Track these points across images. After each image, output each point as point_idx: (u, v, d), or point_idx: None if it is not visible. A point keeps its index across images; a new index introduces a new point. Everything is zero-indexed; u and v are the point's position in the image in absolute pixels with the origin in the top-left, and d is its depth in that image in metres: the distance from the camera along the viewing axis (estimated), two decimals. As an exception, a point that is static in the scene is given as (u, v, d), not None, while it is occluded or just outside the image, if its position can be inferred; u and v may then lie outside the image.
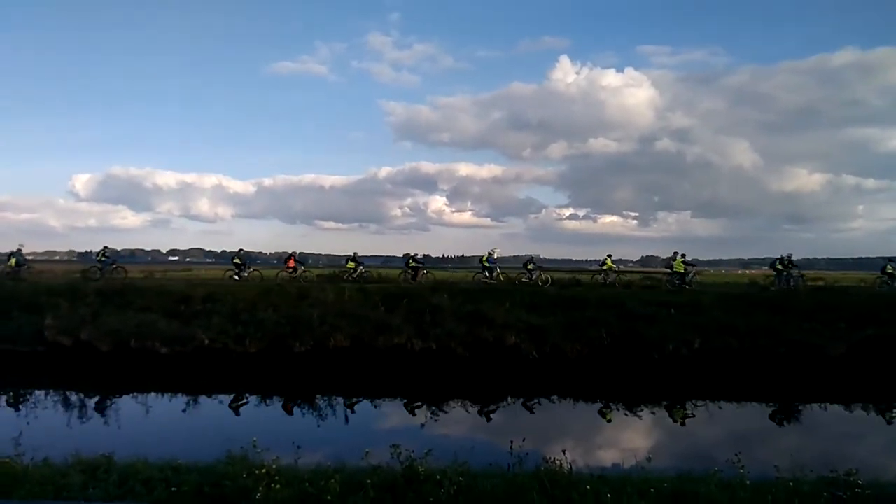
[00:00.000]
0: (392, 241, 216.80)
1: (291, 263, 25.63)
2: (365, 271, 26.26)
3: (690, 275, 25.01)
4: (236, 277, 24.57)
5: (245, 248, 26.67)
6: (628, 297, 19.92)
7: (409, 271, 25.34)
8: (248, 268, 25.71)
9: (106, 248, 25.67)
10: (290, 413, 13.07)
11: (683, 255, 25.35)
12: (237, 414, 13.26)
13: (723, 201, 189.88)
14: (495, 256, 26.52)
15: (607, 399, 14.61)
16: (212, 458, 6.75)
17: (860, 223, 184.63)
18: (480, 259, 26.27)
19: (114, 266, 25.35)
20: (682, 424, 12.91)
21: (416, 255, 26.66)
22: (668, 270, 25.51)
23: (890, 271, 24.53)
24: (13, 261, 24.90)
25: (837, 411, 14.00)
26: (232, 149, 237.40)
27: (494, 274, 25.42)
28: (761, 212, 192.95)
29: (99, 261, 25.19)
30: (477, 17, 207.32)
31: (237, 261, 25.46)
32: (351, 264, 26.01)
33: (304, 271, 25.93)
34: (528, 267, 25.84)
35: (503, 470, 6.49)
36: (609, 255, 27.17)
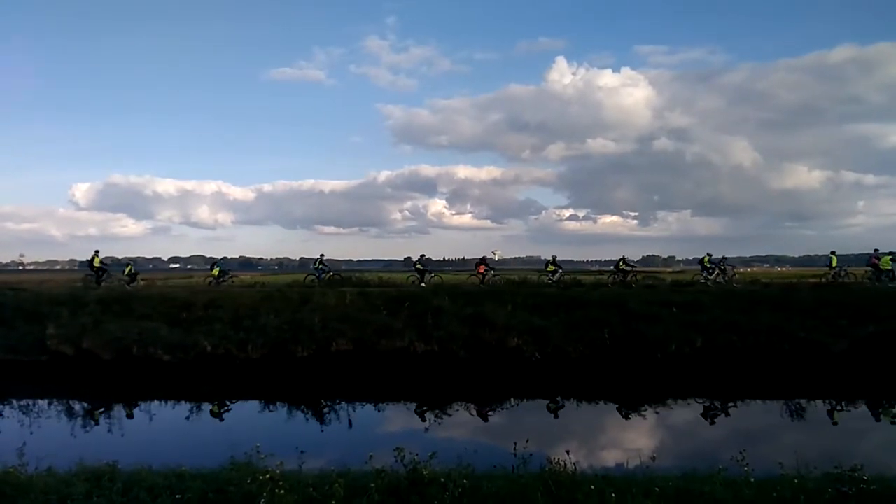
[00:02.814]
0: (392, 245, 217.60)
1: (482, 269, 25.72)
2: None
3: None
4: (423, 284, 24.41)
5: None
6: (630, 296, 19.90)
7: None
8: (430, 273, 25.87)
9: (322, 255, 26.16)
10: (293, 418, 13.05)
11: (892, 253, 24.49)
12: (240, 420, 13.24)
13: (723, 200, 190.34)
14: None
15: (610, 399, 14.59)
16: (216, 465, 6.75)
17: (861, 219, 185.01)
18: (701, 260, 25.67)
19: (330, 273, 25.87)
20: (686, 423, 12.88)
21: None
22: (872, 268, 24.29)
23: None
24: (216, 270, 25.89)
25: (841, 408, 13.96)
26: (231, 155, 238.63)
27: (714, 274, 24.79)
28: (762, 210, 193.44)
29: (316, 269, 25.78)
30: (473, 20, 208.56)
31: (419, 266, 25.61)
32: (552, 267, 25.93)
33: (495, 275, 26.02)
34: (722, 267, 25.18)
35: (507, 471, 6.48)
36: (833, 252, 26.21)
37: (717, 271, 24.99)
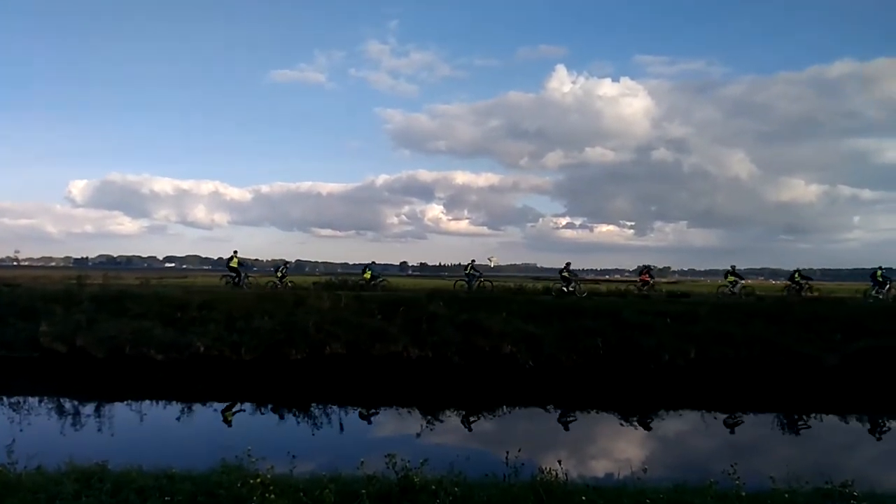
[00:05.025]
0: (389, 249, 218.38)
1: (645, 277, 25.35)
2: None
3: None
4: (564, 290, 24.25)
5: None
6: (624, 306, 19.92)
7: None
8: (577, 282, 25.37)
9: (473, 261, 25.82)
10: (285, 421, 12.99)
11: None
12: (231, 422, 13.18)
13: (719, 211, 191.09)
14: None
15: (603, 409, 14.58)
16: (206, 467, 6.71)
17: (857, 234, 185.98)
18: (873, 274, 24.18)
19: (481, 279, 25.47)
20: (678, 434, 12.88)
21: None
22: None
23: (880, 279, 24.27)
24: (368, 273, 25.48)
25: (833, 422, 13.99)
26: (229, 156, 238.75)
27: (886, 288, 23.53)
28: (758, 222, 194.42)
29: (467, 274, 25.46)
30: (474, 26, 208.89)
31: (565, 274, 24.87)
32: (731, 277, 25.34)
33: (654, 283, 25.62)
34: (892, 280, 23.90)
35: (499, 480, 6.46)
36: None
37: (888, 285, 24.04)
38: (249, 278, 25.73)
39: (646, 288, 25.00)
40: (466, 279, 25.16)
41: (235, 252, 25.25)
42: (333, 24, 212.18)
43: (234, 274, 24.95)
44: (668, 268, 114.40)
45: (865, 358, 16.32)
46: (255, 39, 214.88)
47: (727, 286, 25.38)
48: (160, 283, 27.49)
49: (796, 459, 9.90)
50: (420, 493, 5.78)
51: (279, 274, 26.44)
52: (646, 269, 26.10)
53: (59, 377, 16.10)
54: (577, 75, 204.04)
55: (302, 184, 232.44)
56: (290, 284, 25.57)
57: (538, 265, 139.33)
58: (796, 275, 25.37)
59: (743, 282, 25.90)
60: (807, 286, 25.01)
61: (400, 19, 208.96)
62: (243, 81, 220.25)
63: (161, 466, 6.75)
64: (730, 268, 25.95)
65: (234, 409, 13.93)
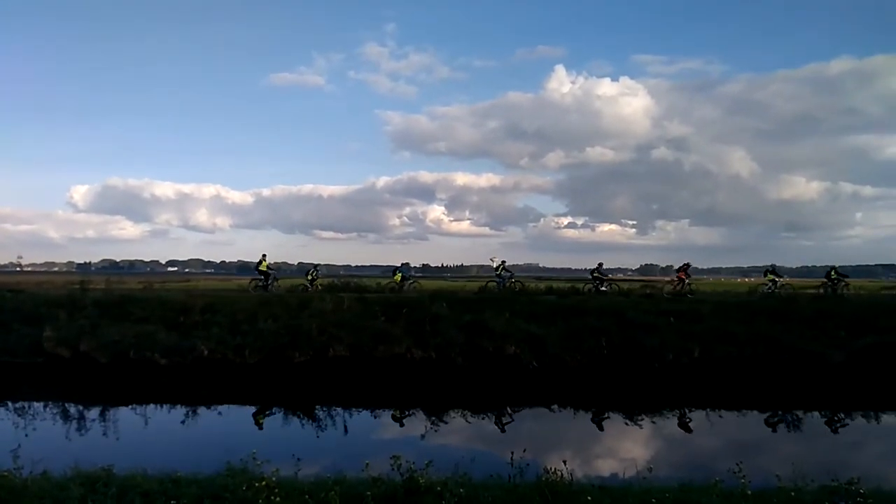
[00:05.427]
0: (391, 251, 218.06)
1: (682, 275, 25.01)
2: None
3: None
4: (603, 289, 24.30)
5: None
6: (628, 305, 19.88)
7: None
8: (609, 282, 25.10)
9: (504, 261, 25.83)
10: (289, 424, 13.00)
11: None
12: (237, 426, 13.20)
13: (721, 210, 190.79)
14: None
15: (608, 408, 14.54)
16: (211, 471, 6.72)
17: (858, 231, 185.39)
18: None
19: (512, 279, 25.44)
20: (683, 433, 12.85)
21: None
22: None
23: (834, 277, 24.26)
24: (398, 276, 25.53)
25: (839, 419, 13.94)
26: (230, 159, 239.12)
27: None
28: (760, 220, 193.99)
29: (498, 275, 25.46)
30: (472, 27, 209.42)
31: (597, 274, 25.03)
32: (771, 276, 24.80)
33: (690, 283, 25.38)
34: None
35: (504, 481, 6.46)
36: None
37: None
38: (278, 282, 25.66)
39: (681, 286, 24.60)
40: (498, 280, 25.16)
41: (264, 256, 25.12)
42: (331, 27, 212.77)
43: (262, 277, 24.89)
44: (671, 266, 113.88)
45: (871, 355, 16.27)
46: (254, 42, 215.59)
47: (767, 284, 25.04)
48: (163, 287, 27.51)
49: (802, 457, 9.85)
50: (425, 494, 5.78)
51: (310, 277, 26.22)
52: (684, 267, 25.30)
53: (64, 382, 16.14)
54: (576, 75, 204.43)
55: (303, 186, 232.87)
56: (320, 287, 25.29)
57: (540, 265, 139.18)
58: (832, 272, 24.72)
59: (782, 280, 25.43)
60: (843, 284, 24.46)
61: (397, 22, 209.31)
62: (243, 84, 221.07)
63: (166, 470, 6.76)
64: (769, 266, 25.46)
65: (265, 413, 13.94)
